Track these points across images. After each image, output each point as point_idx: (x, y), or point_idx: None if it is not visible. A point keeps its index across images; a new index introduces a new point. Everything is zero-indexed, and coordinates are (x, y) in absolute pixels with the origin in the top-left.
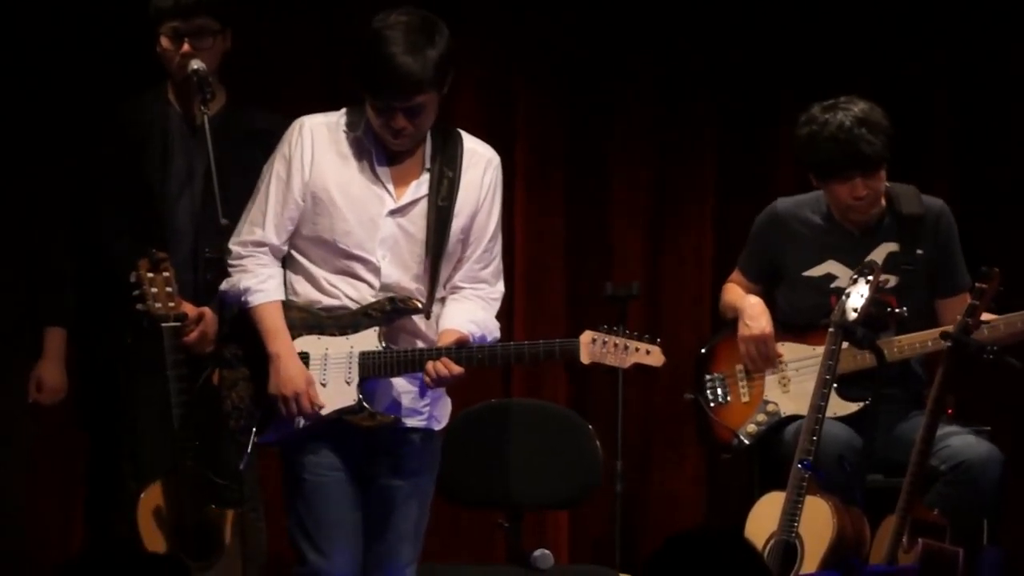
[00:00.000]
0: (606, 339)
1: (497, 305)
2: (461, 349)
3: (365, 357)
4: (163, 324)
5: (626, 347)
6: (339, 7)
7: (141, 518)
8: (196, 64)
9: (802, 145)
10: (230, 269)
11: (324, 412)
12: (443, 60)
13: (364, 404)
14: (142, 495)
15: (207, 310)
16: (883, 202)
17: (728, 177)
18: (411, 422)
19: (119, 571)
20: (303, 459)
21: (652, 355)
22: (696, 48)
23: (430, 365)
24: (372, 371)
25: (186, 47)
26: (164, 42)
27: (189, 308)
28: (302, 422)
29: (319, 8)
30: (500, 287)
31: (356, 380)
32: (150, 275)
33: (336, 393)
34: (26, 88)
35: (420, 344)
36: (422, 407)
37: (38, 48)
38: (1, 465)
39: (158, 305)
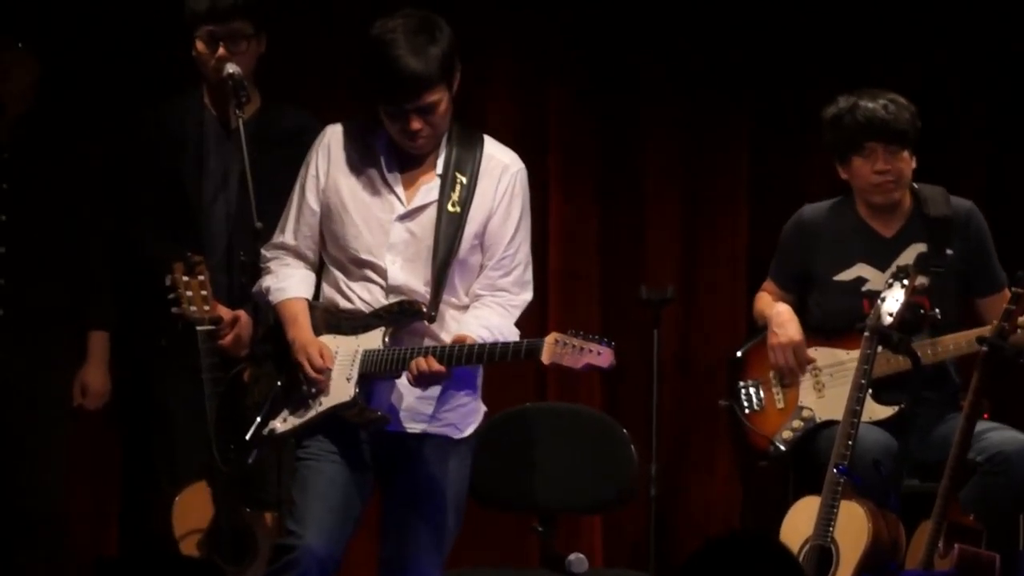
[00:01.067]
0: (567, 340)
1: (517, 312)
2: (443, 347)
3: (367, 355)
4: (198, 327)
5: (582, 348)
6: (375, 9)
7: (176, 520)
8: (231, 68)
9: (827, 126)
10: (261, 272)
11: (321, 408)
12: (446, 55)
13: (358, 400)
14: (177, 497)
15: (242, 313)
16: (911, 202)
17: (762, 178)
18: (425, 428)
19: (154, 574)
20: (306, 444)
21: (602, 356)
22: (729, 50)
23: (413, 362)
24: (372, 367)
25: (221, 51)
26: (199, 46)
27: (224, 311)
28: (318, 397)
29: (354, 10)
30: (525, 296)
31: (355, 377)
32: (185, 278)
33: (336, 389)
34: (63, 92)
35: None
36: (434, 414)
37: (75, 52)
38: (43, 468)
39: (193, 308)
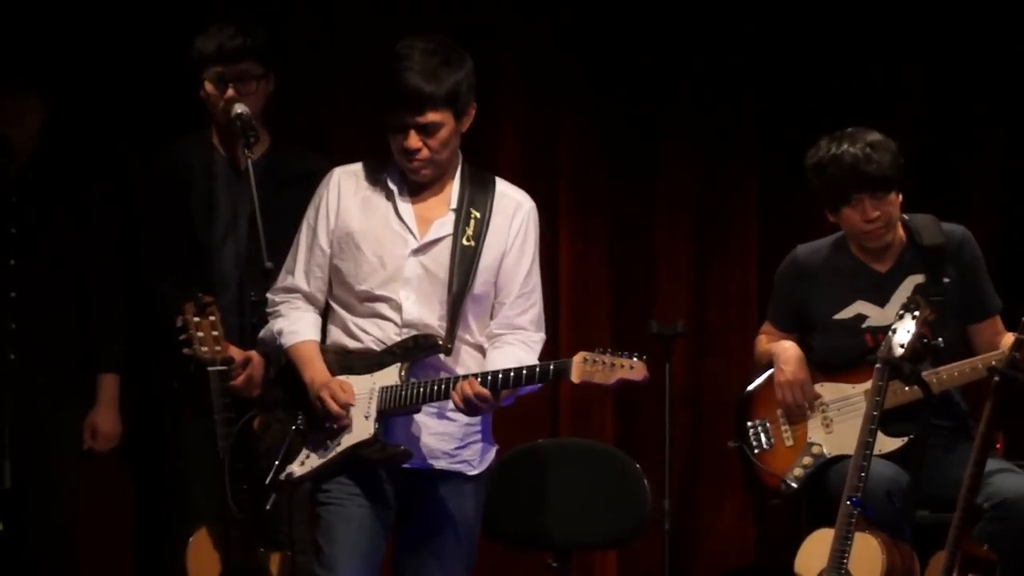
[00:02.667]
0: (596, 358)
1: (538, 350)
2: (466, 375)
3: (385, 392)
4: (209, 368)
5: (612, 364)
6: (384, 47)
7: (190, 562)
8: (240, 108)
9: (811, 174)
10: (268, 316)
11: (340, 448)
12: (458, 83)
13: (379, 437)
14: (191, 539)
15: (254, 354)
16: (903, 235)
17: (774, 212)
18: (439, 465)
19: None
20: (326, 488)
21: (635, 369)
22: (741, 84)
23: (459, 385)
24: (390, 404)
25: (230, 92)
26: (208, 87)
27: (235, 352)
28: (337, 437)
29: (363, 50)
30: (542, 334)
31: (374, 414)
32: (196, 319)
33: (354, 428)
34: (71, 134)
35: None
36: (452, 450)
37: (84, 94)
38: (55, 510)
39: (204, 349)
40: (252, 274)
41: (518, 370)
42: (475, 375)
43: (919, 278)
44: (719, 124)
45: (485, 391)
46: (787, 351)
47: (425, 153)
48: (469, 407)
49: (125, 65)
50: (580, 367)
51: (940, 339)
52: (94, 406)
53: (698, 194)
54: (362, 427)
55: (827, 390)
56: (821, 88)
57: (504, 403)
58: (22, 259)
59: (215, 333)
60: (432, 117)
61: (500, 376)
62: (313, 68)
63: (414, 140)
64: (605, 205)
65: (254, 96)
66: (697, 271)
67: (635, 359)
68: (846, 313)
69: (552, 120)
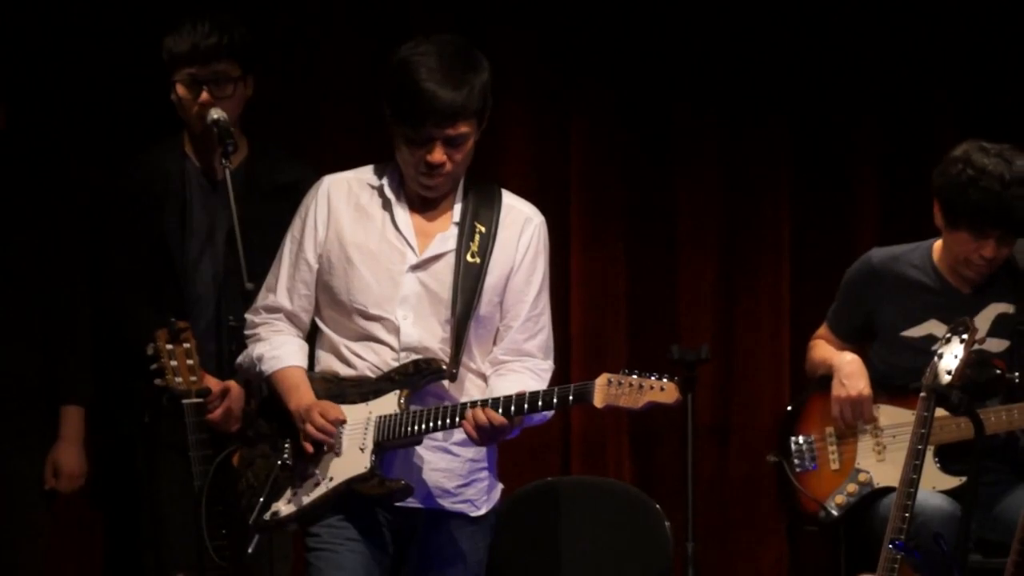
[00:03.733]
0: (622, 380)
1: (547, 379)
2: (475, 402)
3: (382, 421)
4: (184, 400)
5: (640, 386)
6: (372, 44)
7: None
8: (216, 114)
9: (951, 184)
10: (246, 340)
11: (332, 484)
12: (483, 89)
13: (376, 471)
14: None
15: (233, 384)
16: None
17: (807, 225)
18: (440, 504)
19: None
20: (318, 531)
21: (666, 391)
22: (768, 84)
23: (470, 413)
24: (388, 434)
25: (205, 96)
26: (180, 90)
27: (213, 382)
28: (328, 472)
29: (351, 48)
30: (550, 363)
31: (370, 446)
32: (169, 347)
33: (349, 461)
34: (31, 143)
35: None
36: (455, 488)
37: (41, 100)
38: (17, 557)
39: (179, 379)
40: (230, 296)
41: (534, 394)
42: (484, 401)
43: (1005, 307)
44: (747, 128)
45: (501, 418)
46: (851, 364)
47: (448, 167)
48: (482, 435)
49: (90, 67)
50: (604, 390)
51: (1017, 374)
52: (56, 442)
53: (724, 202)
54: (357, 460)
55: (884, 413)
56: (860, 88)
57: (510, 435)
58: None
59: (190, 362)
60: (463, 128)
61: (515, 401)
62: (296, 69)
63: (439, 154)
64: (621, 215)
65: (231, 100)
66: (723, 287)
67: (665, 380)
68: (916, 331)
69: (562, 123)
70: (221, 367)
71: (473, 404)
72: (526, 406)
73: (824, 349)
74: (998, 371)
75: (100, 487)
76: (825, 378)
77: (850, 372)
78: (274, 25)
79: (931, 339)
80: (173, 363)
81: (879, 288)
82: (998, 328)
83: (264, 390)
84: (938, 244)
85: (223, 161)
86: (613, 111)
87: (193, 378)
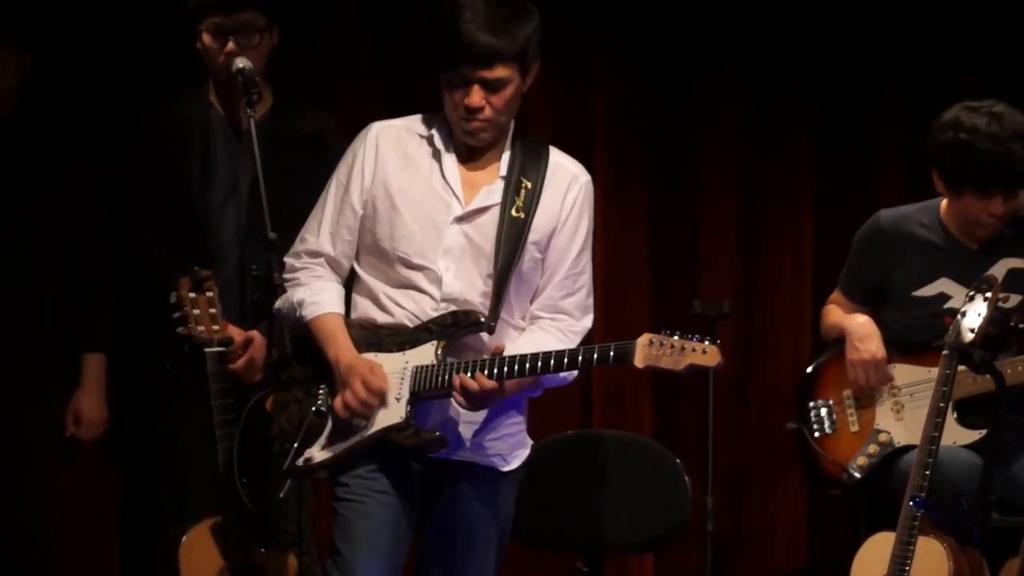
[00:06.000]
0: (663, 340)
1: (577, 340)
2: (507, 358)
3: (418, 372)
4: (206, 349)
5: (682, 348)
6: (389, 24)
7: (183, 563)
8: (241, 63)
9: (946, 150)
10: (285, 284)
11: (367, 432)
12: (527, 37)
13: (411, 421)
14: (184, 537)
15: (255, 334)
16: None
17: (829, 181)
18: (471, 457)
19: None
20: (347, 481)
21: (708, 354)
22: (789, 46)
23: (457, 379)
24: (424, 385)
25: (230, 45)
26: (206, 39)
27: (235, 332)
28: (363, 420)
29: (364, 26)
30: (586, 322)
31: (406, 396)
32: (192, 295)
33: (384, 410)
34: (53, 91)
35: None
36: (487, 441)
37: (65, 47)
38: (34, 508)
39: (201, 328)
40: (253, 246)
41: (573, 352)
42: (509, 358)
43: (1016, 262)
44: (771, 87)
45: (491, 383)
46: (863, 327)
47: (488, 112)
48: (471, 401)
49: (114, 15)
50: (645, 350)
51: None
52: (77, 389)
53: (747, 156)
54: (392, 410)
55: (900, 372)
56: (884, 50)
57: (534, 393)
58: None
59: (212, 311)
60: (500, 72)
61: (553, 360)
62: (322, 20)
63: (477, 97)
64: (644, 171)
65: (257, 50)
66: (746, 243)
67: (707, 343)
68: (927, 290)
69: (585, 80)
70: (244, 316)
71: (506, 357)
72: (566, 364)
73: (837, 314)
74: (1014, 322)
75: (121, 435)
76: (840, 341)
77: (863, 335)
78: None
79: (943, 297)
80: (195, 312)
81: (889, 249)
82: (1010, 283)
83: (287, 342)
84: (945, 202)
85: (247, 111)
86: (637, 72)
87: (215, 327)
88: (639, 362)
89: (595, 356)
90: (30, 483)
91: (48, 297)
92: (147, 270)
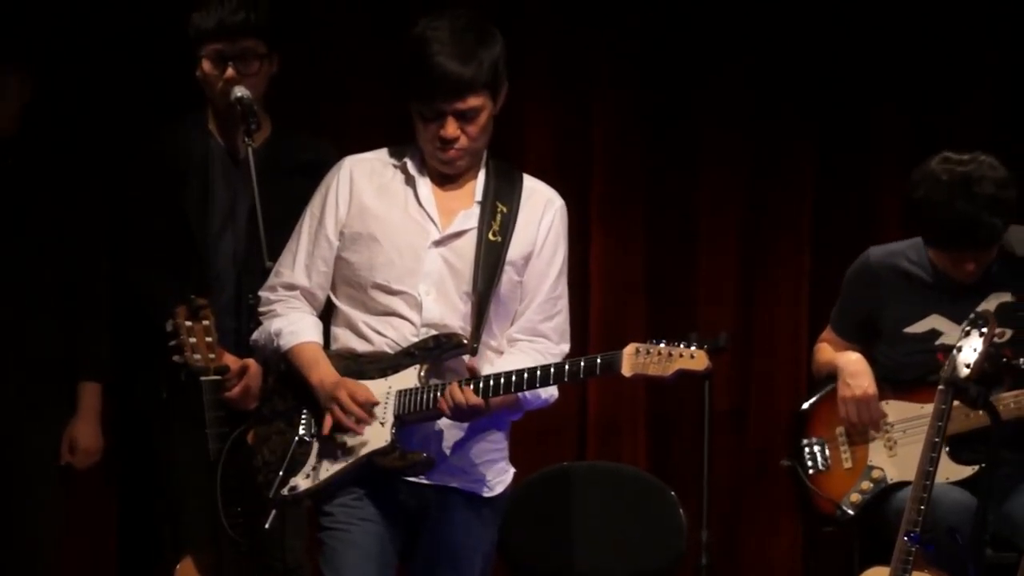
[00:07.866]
0: (650, 348)
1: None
2: (497, 374)
3: (402, 395)
4: (202, 377)
5: (670, 354)
6: (396, 26)
7: None
8: (240, 92)
9: (917, 207)
10: (260, 317)
11: (352, 458)
12: (494, 63)
13: (396, 444)
14: (177, 567)
15: (251, 362)
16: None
17: (828, 212)
18: (454, 482)
19: None
20: (332, 510)
21: (696, 359)
22: (787, 69)
23: (447, 390)
24: (409, 407)
25: (230, 71)
26: (206, 66)
27: (231, 360)
28: (347, 445)
29: (373, 29)
30: (564, 347)
31: (391, 420)
32: (188, 323)
33: (369, 435)
34: (54, 116)
35: None
36: (469, 467)
37: (66, 73)
38: (32, 535)
39: (197, 356)
40: (250, 274)
41: (561, 365)
42: (498, 375)
43: (1005, 296)
44: (768, 111)
45: (477, 399)
46: (854, 363)
47: (464, 141)
48: (457, 413)
49: (116, 42)
50: (632, 359)
51: (1022, 360)
52: (73, 417)
53: (746, 184)
54: (378, 433)
55: (892, 408)
56: (883, 73)
57: (514, 416)
58: None
59: (209, 339)
60: (473, 102)
61: (539, 372)
62: (320, 48)
63: (452, 128)
64: (641, 197)
65: (256, 78)
66: (744, 272)
67: (694, 348)
68: (918, 327)
69: (584, 108)
70: (240, 345)
71: (479, 378)
72: (552, 377)
73: (828, 352)
74: (1005, 359)
75: (116, 463)
76: (832, 378)
77: (854, 371)
78: (300, 3)
79: (934, 334)
80: (192, 340)
81: (879, 286)
82: (1000, 317)
83: (280, 367)
84: None
85: (245, 139)
86: (634, 95)
87: (211, 355)
88: (627, 371)
89: (583, 367)
90: (27, 509)
91: (46, 324)
92: (144, 297)
